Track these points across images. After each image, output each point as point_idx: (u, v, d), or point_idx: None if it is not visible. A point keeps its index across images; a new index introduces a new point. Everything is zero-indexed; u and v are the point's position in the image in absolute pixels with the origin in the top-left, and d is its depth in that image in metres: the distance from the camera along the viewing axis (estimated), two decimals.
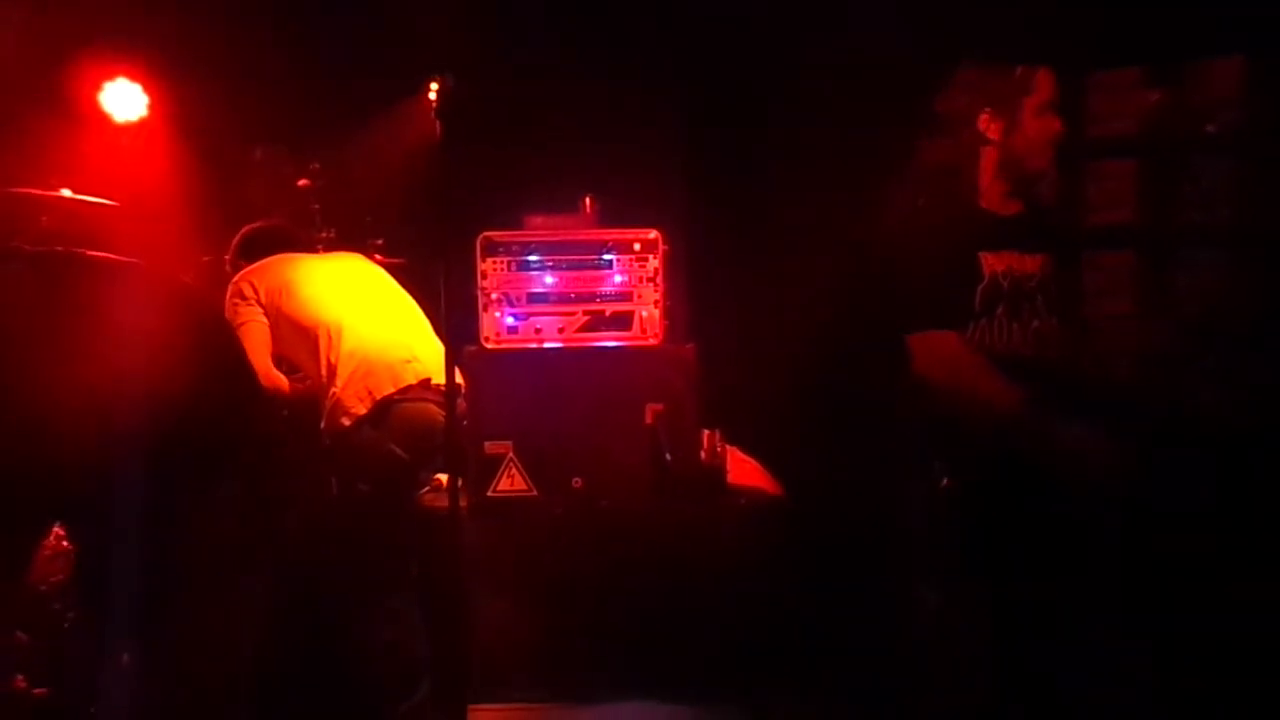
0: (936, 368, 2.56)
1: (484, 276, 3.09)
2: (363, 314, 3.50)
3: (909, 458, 2.72)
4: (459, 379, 3.31)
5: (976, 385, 2.51)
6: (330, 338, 3.44)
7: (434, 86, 2.58)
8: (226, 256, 3.71)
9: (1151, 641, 2.48)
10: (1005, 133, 2.64)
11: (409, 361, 3.46)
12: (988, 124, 2.64)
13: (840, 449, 3.68)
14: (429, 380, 3.45)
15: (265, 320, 3.42)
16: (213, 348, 2.92)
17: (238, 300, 3.44)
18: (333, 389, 3.41)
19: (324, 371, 3.43)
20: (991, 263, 2.65)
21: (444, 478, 3.33)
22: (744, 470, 3.32)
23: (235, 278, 3.53)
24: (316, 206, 3.79)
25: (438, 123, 2.52)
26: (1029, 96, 2.62)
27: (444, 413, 3.35)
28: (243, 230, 3.72)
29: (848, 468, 3.68)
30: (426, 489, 3.36)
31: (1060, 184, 2.76)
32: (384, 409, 3.40)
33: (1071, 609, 2.47)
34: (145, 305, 2.65)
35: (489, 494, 3.05)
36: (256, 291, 3.45)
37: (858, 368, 3.56)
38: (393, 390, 3.41)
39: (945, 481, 2.58)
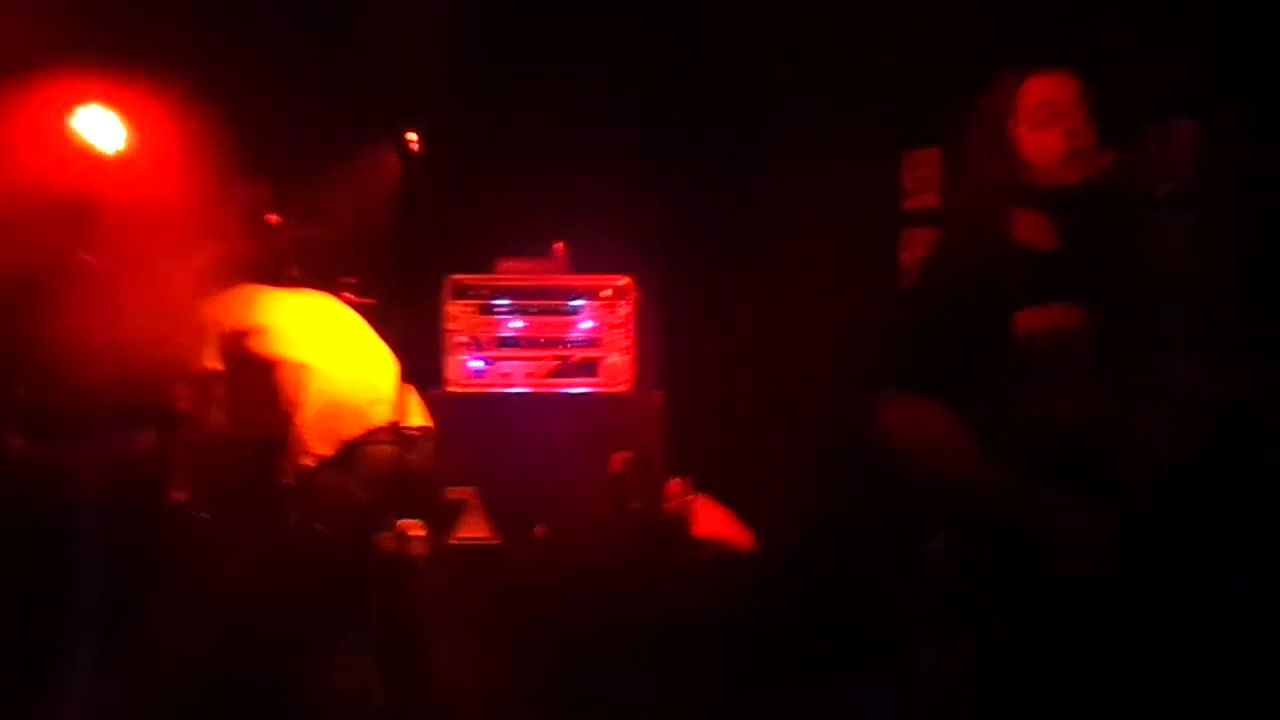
0: (908, 435, 2.34)
1: (451, 319, 3.07)
2: (330, 353, 3.45)
3: (894, 517, 2.62)
4: (428, 421, 3.30)
5: (951, 459, 2.28)
6: (297, 377, 3.39)
7: (410, 135, 2.59)
8: (187, 272, 3.65)
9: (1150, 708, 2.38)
10: (1007, 160, 2.33)
11: (375, 403, 3.41)
12: (987, 157, 2.35)
13: (815, 499, 3.64)
14: (395, 423, 3.41)
15: (223, 368, 3.40)
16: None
17: (202, 336, 3.40)
18: (297, 428, 3.36)
19: (288, 410, 3.39)
20: (1028, 321, 2.32)
21: (413, 523, 3.31)
22: (714, 520, 3.29)
23: (201, 306, 3.48)
24: (286, 243, 3.77)
25: (407, 168, 2.52)
26: (1017, 112, 2.34)
27: (413, 456, 3.33)
28: (209, 250, 3.68)
29: (823, 519, 3.64)
30: (389, 534, 3.32)
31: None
32: (349, 451, 3.35)
33: (1067, 670, 2.36)
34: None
35: (451, 540, 3.01)
36: (222, 326, 3.41)
37: (835, 420, 3.54)
38: (360, 432, 3.36)
39: (936, 543, 2.46)
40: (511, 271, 3.14)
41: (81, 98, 3.53)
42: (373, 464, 3.34)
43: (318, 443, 3.34)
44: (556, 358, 3.09)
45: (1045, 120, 2.34)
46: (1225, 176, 2.54)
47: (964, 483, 2.28)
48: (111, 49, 3.65)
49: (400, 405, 3.39)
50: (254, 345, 3.40)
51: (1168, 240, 2.46)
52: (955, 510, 2.36)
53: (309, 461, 3.32)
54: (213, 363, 3.39)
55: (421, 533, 3.22)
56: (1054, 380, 2.31)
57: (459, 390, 3.08)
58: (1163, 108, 2.69)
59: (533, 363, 3.09)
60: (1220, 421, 2.41)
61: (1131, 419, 2.33)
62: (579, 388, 3.08)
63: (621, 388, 3.08)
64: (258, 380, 3.42)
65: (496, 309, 3.10)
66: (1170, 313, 2.40)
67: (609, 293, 3.09)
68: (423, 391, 3.24)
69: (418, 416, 3.34)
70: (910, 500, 2.45)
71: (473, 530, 3.01)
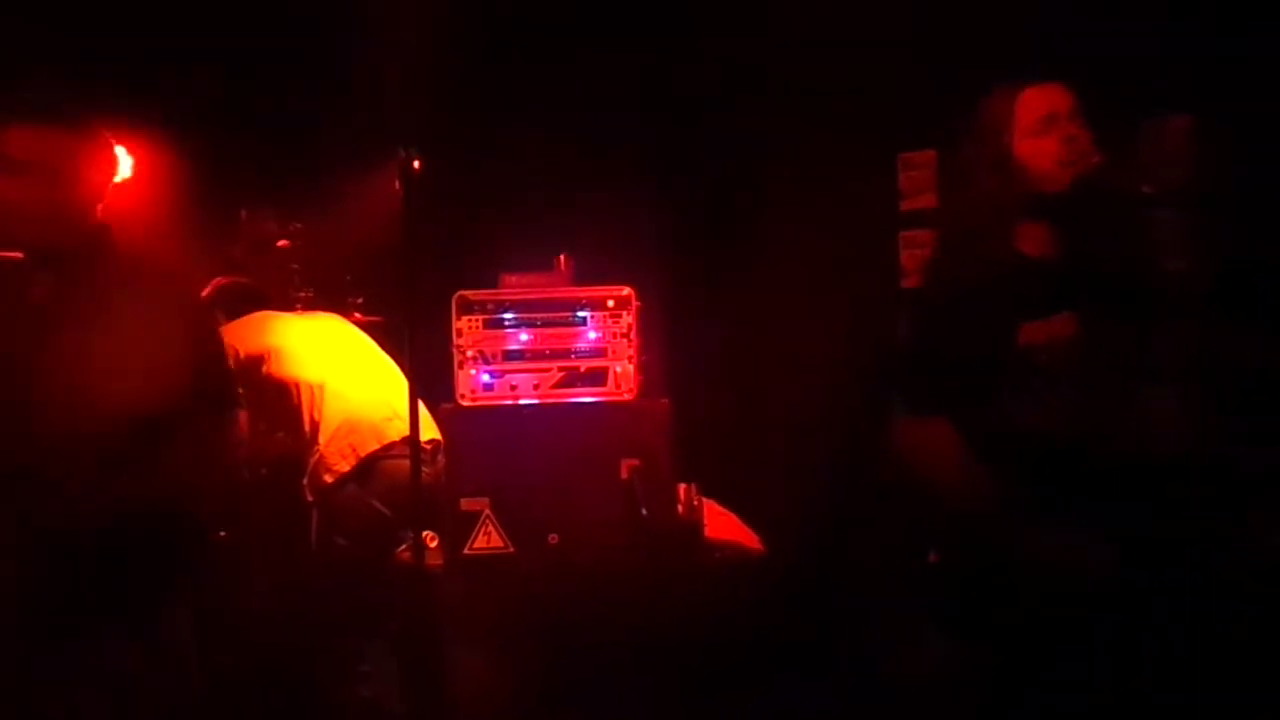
0: (919, 453, 2.38)
1: (459, 334, 3.13)
2: (344, 373, 3.54)
3: (894, 527, 2.65)
4: (438, 435, 3.37)
5: (955, 481, 2.33)
6: (313, 396, 3.48)
7: (412, 154, 2.65)
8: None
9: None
10: (1008, 174, 2.39)
11: (391, 419, 3.49)
12: (989, 175, 2.41)
13: (820, 502, 3.68)
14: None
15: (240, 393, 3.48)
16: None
17: None
18: (316, 446, 3.45)
19: (308, 429, 3.47)
20: (1030, 334, 2.37)
21: (427, 534, 3.37)
22: (722, 524, 3.33)
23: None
24: (295, 266, 3.86)
25: (410, 186, 2.58)
26: (1015, 126, 2.40)
27: (426, 469, 3.40)
28: (215, 283, 3.77)
29: (827, 522, 3.68)
30: (404, 547, 3.38)
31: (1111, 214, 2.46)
32: (368, 466, 3.43)
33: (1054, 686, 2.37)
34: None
35: (466, 551, 3.07)
36: (236, 352, 3.49)
37: (839, 426, 3.58)
38: (377, 447, 3.45)
39: (932, 557, 2.49)
40: (516, 285, 3.19)
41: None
42: (393, 477, 3.42)
43: (337, 460, 3.43)
44: (563, 369, 3.14)
45: (1043, 131, 2.39)
46: (1221, 172, 2.56)
47: (963, 511, 2.31)
48: (113, 82, 3.73)
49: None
50: (270, 369, 3.50)
51: (1164, 237, 2.47)
52: (952, 531, 2.39)
53: (328, 478, 3.41)
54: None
55: (435, 544, 3.29)
56: (1054, 388, 2.37)
57: (469, 404, 3.14)
58: (1157, 104, 2.71)
59: (540, 374, 3.14)
60: (1223, 396, 2.42)
61: (1133, 410, 2.37)
62: (586, 397, 3.13)
63: (627, 396, 3.12)
64: (276, 402, 3.51)
65: (503, 323, 3.15)
66: (1168, 310, 2.42)
67: (612, 303, 3.13)
68: (433, 406, 3.31)
69: (428, 431, 3.41)
70: (911, 514, 2.48)
71: (487, 540, 3.07)
